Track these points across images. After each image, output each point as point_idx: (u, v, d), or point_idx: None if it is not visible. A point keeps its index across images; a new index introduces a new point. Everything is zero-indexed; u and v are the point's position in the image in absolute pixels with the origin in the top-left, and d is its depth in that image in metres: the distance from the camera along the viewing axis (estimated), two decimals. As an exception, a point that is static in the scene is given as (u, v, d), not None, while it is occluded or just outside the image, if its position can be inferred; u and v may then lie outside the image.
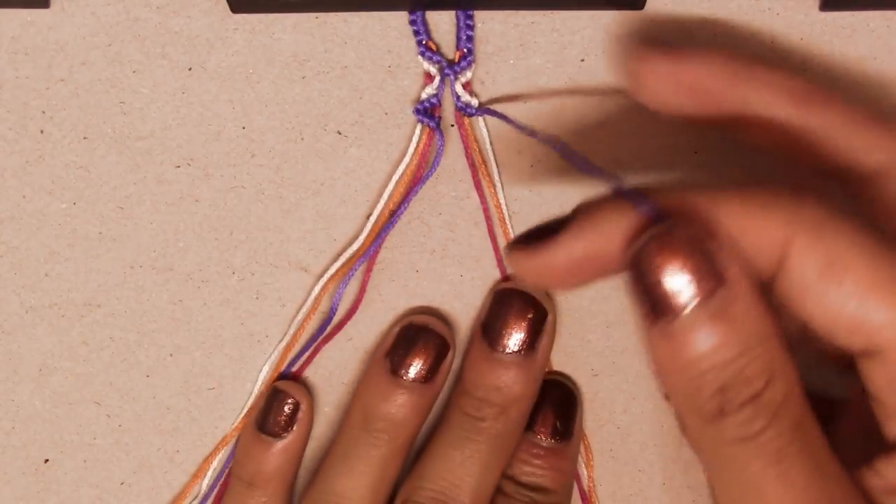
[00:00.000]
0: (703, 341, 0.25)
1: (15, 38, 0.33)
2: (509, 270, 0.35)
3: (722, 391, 0.25)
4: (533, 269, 0.28)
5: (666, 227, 0.25)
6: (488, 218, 0.34)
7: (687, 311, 0.25)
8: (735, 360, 0.25)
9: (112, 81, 0.33)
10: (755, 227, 0.25)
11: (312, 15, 0.32)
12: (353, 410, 0.35)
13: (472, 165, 0.34)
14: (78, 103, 0.33)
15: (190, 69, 0.33)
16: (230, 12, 0.32)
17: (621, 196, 0.27)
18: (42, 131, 0.34)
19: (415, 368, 0.34)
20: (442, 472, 0.34)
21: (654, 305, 0.25)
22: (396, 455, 0.34)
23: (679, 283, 0.25)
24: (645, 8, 0.32)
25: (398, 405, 0.34)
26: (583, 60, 0.33)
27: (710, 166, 0.34)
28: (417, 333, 0.35)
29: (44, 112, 0.33)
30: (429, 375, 0.34)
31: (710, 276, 0.25)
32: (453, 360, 0.35)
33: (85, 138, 0.34)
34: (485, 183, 0.34)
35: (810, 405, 0.26)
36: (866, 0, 0.31)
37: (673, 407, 0.27)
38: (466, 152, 0.34)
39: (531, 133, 0.31)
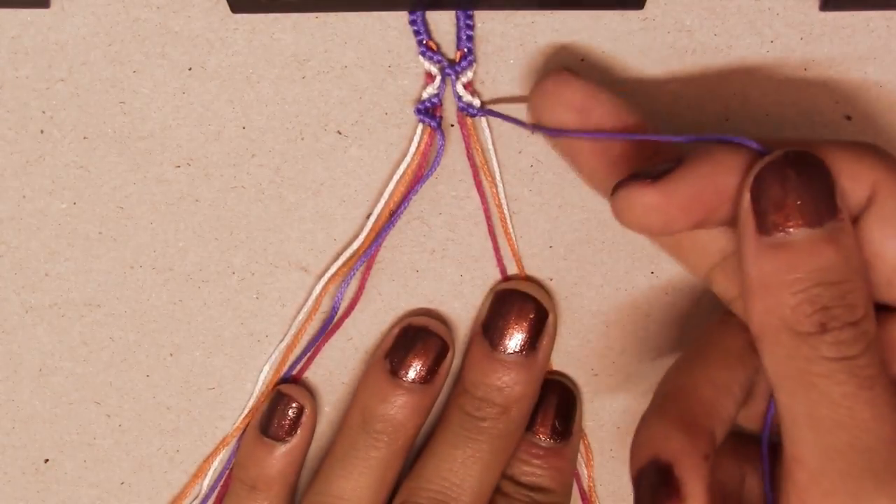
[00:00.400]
0: (816, 258, 0.26)
1: (15, 38, 0.33)
2: (510, 270, 0.35)
3: (825, 310, 0.26)
4: (650, 205, 0.27)
5: (796, 152, 0.27)
6: (489, 218, 0.34)
7: (803, 229, 0.26)
8: (842, 283, 0.26)
9: (112, 81, 0.33)
10: (847, 170, 0.27)
11: (312, 15, 0.32)
12: (352, 412, 0.35)
13: (474, 165, 0.34)
14: (78, 103, 0.33)
15: (190, 69, 0.33)
16: (230, 12, 0.32)
17: (730, 142, 0.28)
18: (42, 131, 0.34)
19: (414, 369, 0.34)
20: (442, 472, 0.34)
21: (769, 222, 0.27)
22: (396, 456, 0.34)
23: (799, 204, 0.26)
24: (645, 8, 0.32)
25: (398, 406, 0.34)
26: (583, 60, 0.33)
27: (710, 166, 0.34)
28: (417, 334, 0.35)
29: (44, 112, 0.33)
30: (428, 376, 0.34)
31: (827, 206, 0.26)
32: (453, 361, 0.35)
33: (85, 138, 0.34)
34: (486, 183, 0.34)
35: None
36: (866, 0, 0.31)
37: (756, 329, 0.27)
38: (468, 152, 0.34)
39: (535, 129, 0.31)
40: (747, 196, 0.27)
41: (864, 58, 0.32)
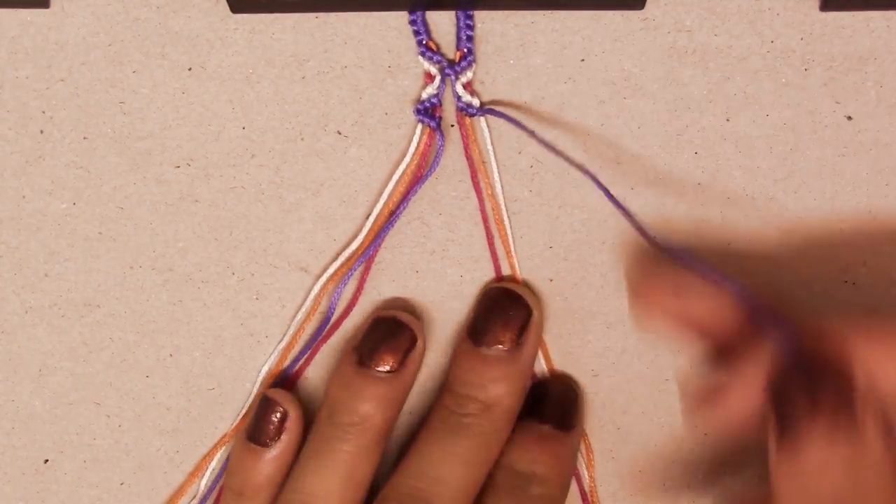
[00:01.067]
0: (822, 469, 0.27)
1: (15, 38, 0.33)
2: (504, 271, 0.35)
3: None
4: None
5: (813, 380, 0.28)
6: (485, 219, 0.34)
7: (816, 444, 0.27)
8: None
9: (112, 81, 0.33)
10: (889, 355, 0.28)
11: (312, 15, 0.32)
12: (321, 406, 0.35)
13: (472, 166, 0.34)
14: (78, 103, 0.33)
15: (190, 69, 0.33)
16: (230, 12, 0.32)
17: (762, 318, 0.30)
18: (42, 131, 0.34)
19: (382, 360, 0.34)
20: (422, 468, 0.33)
21: (787, 435, 0.28)
22: (366, 451, 0.34)
23: (818, 426, 0.27)
24: (645, 8, 0.32)
25: (365, 399, 0.34)
26: (583, 60, 0.33)
27: (709, 166, 0.34)
28: (384, 325, 0.34)
29: (44, 112, 0.33)
30: (396, 367, 0.34)
31: (845, 426, 0.27)
32: (424, 353, 0.35)
33: (85, 138, 0.34)
34: (483, 183, 0.34)
35: None
36: (866, 0, 0.31)
37: None
38: (466, 153, 0.34)
39: (531, 134, 0.32)
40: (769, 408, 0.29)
41: (864, 58, 0.32)
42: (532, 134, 0.33)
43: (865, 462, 0.27)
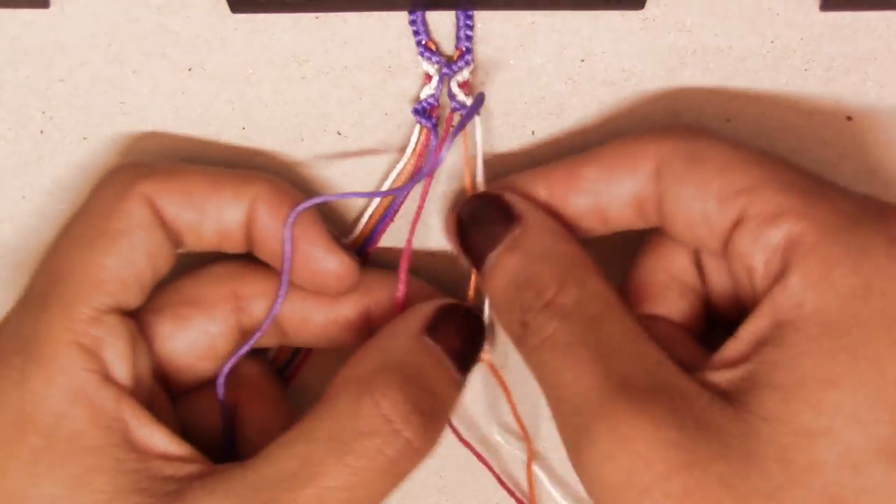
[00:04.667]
0: (504, 271, 0.30)
1: (15, 38, 0.33)
2: None
3: (522, 309, 0.29)
4: None
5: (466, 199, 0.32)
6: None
7: (489, 255, 0.31)
8: (528, 279, 0.30)
9: (112, 81, 0.33)
10: (627, 167, 0.30)
11: (312, 15, 0.32)
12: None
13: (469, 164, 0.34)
14: (78, 103, 0.33)
15: (190, 69, 0.33)
16: (230, 12, 0.32)
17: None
18: (42, 131, 0.34)
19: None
20: None
21: (474, 259, 0.31)
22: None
23: (486, 234, 0.31)
24: (645, 8, 0.32)
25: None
26: (583, 60, 0.33)
27: (710, 166, 0.34)
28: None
29: (44, 112, 0.34)
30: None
31: (507, 220, 0.31)
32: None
33: (85, 138, 0.34)
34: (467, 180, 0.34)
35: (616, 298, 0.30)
36: (866, 0, 0.31)
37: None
38: (438, 150, 0.33)
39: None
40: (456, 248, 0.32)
41: (864, 58, 0.32)
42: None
43: (531, 237, 0.30)
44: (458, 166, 0.34)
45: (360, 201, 0.35)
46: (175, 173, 0.31)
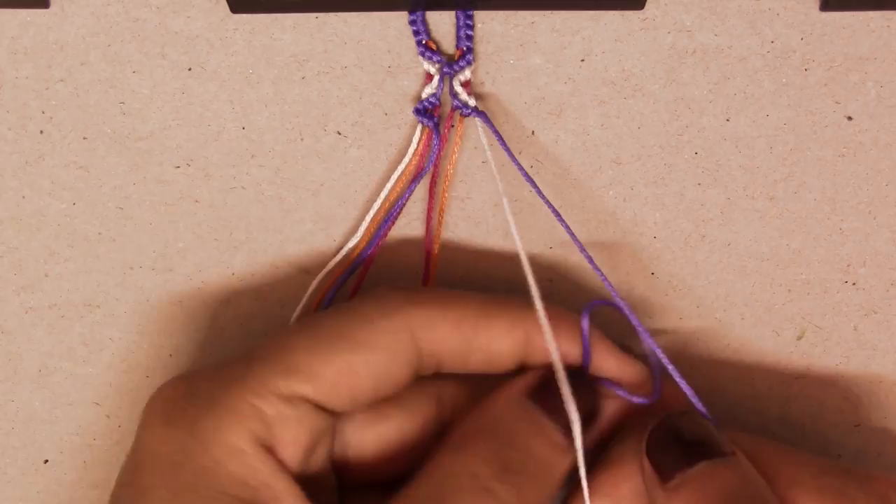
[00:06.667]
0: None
1: (15, 38, 0.33)
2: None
3: None
4: None
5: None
6: (429, 221, 0.34)
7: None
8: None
9: (112, 81, 0.33)
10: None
11: (312, 15, 0.32)
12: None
13: (436, 167, 0.34)
14: (78, 103, 0.33)
15: (190, 69, 0.33)
16: (230, 12, 0.32)
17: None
18: (42, 131, 0.34)
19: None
20: None
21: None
22: None
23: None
24: (645, 8, 0.32)
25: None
26: (583, 60, 0.33)
27: (707, 164, 0.34)
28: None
29: (44, 112, 0.33)
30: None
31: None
32: None
33: (85, 138, 0.34)
34: (443, 185, 0.34)
35: None
36: (866, 0, 0.31)
37: None
38: (439, 152, 0.34)
39: (504, 144, 0.32)
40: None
41: (864, 58, 0.32)
42: (503, 143, 0.33)
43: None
44: (458, 167, 0.34)
45: (360, 201, 0.35)
46: (445, 302, 0.31)
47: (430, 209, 0.34)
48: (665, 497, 0.29)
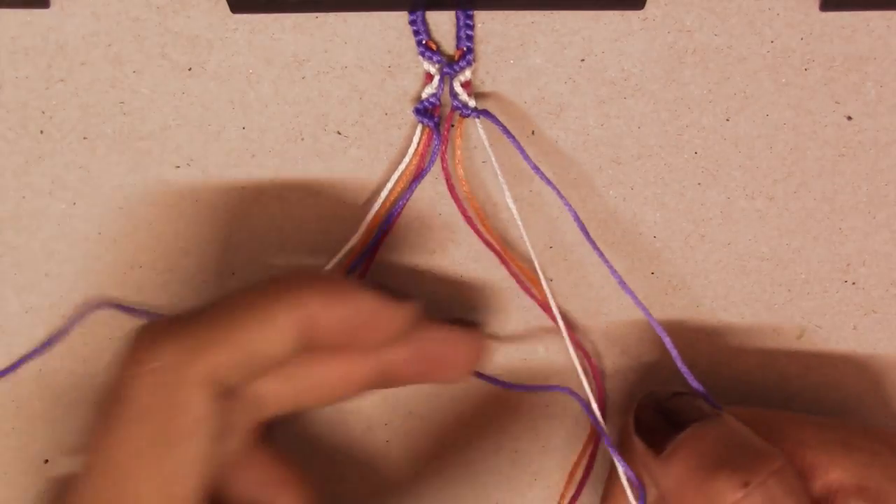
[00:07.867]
0: None
1: (15, 38, 0.33)
2: (503, 270, 0.35)
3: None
4: None
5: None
6: (471, 223, 0.34)
7: None
8: None
9: (112, 81, 0.33)
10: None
11: (312, 15, 0.32)
12: None
13: (449, 167, 0.34)
14: (78, 103, 0.33)
15: (190, 69, 0.33)
16: (230, 12, 0.32)
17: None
18: (42, 131, 0.34)
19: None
20: None
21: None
22: None
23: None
24: (645, 8, 0.32)
25: None
26: (583, 60, 0.33)
27: (707, 164, 0.34)
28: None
29: (44, 112, 0.33)
30: None
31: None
32: None
33: (85, 138, 0.34)
34: (457, 186, 0.34)
35: None
36: (866, 0, 0.31)
37: None
38: (442, 153, 0.34)
39: (515, 142, 0.32)
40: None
41: (864, 58, 0.32)
42: (516, 141, 0.33)
43: None
44: (460, 166, 0.34)
45: (360, 201, 0.35)
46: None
47: (465, 216, 0.34)
48: (662, 467, 0.30)
